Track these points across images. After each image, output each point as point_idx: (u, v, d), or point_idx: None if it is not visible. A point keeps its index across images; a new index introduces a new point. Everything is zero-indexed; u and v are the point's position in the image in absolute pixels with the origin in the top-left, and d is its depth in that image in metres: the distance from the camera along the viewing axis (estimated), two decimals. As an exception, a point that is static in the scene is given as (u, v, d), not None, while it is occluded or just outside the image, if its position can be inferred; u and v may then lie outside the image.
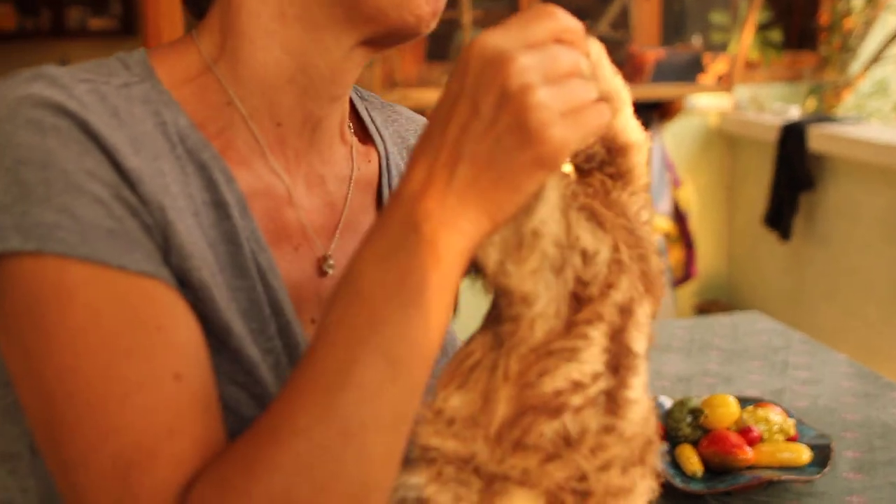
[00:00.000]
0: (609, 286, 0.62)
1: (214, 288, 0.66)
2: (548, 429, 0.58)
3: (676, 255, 3.87)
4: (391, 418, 0.58)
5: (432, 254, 0.58)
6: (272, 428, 0.58)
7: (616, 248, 0.63)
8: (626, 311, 0.62)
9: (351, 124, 0.87)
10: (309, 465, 0.57)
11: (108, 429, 0.59)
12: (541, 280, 0.60)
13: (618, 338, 0.62)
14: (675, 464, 1.16)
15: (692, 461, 1.15)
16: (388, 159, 0.89)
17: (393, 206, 0.59)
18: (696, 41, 4.05)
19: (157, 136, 0.68)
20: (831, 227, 3.52)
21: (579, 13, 0.59)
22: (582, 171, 0.70)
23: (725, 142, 4.17)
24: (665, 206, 3.80)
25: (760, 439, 1.17)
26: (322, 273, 0.79)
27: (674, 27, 4.07)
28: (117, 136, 0.64)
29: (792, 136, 3.53)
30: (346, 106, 0.84)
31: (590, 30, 0.61)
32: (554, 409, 0.58)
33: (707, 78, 3.91)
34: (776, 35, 4.11)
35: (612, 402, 0.60)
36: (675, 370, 1.54)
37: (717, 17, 4.01)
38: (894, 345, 3.21)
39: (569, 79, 0.58)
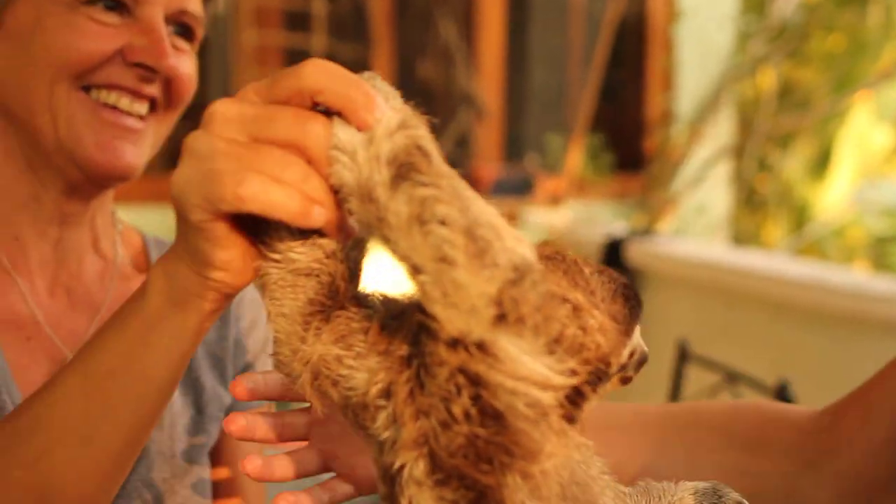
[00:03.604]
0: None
1: None
2: None
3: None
4: (74, 424, 0.67)
5: (140, 291, 0.66)
6: None
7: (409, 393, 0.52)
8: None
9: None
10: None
11: None
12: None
13: None
14: None
15: None
16: None
17: None
18: (531, 161, 4.32)
19: None
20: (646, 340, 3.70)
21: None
22: None
23: (560, 256, 4.38)
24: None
25: None
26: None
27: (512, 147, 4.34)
28: None
29: (613, 251, 3.77)
30: (97, 227, 0.95)
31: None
32: None
33: (540, 195, 4.16)
34: (607, 157, 4.42)
35: None
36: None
37: (553, 140, 4.29)
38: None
39: (268, 145, 0.55)
